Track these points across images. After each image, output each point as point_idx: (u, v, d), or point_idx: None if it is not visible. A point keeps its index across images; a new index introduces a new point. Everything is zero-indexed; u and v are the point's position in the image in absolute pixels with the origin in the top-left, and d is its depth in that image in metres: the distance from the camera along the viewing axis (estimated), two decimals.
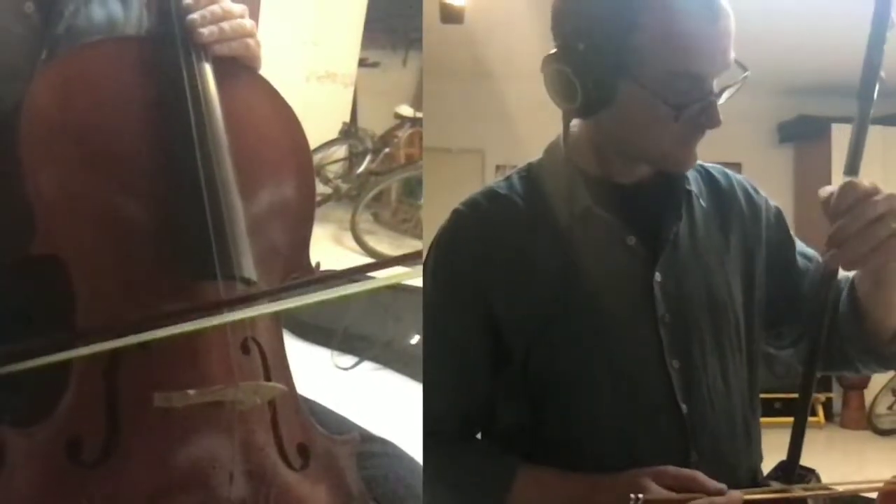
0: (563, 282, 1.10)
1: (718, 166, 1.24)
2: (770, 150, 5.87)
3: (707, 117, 1.05)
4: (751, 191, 1.24)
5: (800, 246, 1.25)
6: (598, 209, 1.11)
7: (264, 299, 1.01)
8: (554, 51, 1.07)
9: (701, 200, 1.17)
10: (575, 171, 1.14)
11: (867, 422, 5.45)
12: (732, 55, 1.04)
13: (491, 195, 1.17)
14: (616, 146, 1.12)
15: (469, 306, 1.13)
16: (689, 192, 1.16)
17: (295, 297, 0.98)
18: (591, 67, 1.03)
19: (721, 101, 1.05)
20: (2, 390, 1.00)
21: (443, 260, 1.16)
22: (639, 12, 1.02)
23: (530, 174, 1.19)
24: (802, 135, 5.71)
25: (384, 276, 0.98)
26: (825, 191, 1.03)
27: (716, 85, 1.05)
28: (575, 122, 1.15)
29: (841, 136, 5.38)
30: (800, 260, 1.23)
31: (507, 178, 1.19)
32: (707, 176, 1.21)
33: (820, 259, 1.23)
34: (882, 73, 1.03)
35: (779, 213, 1.25)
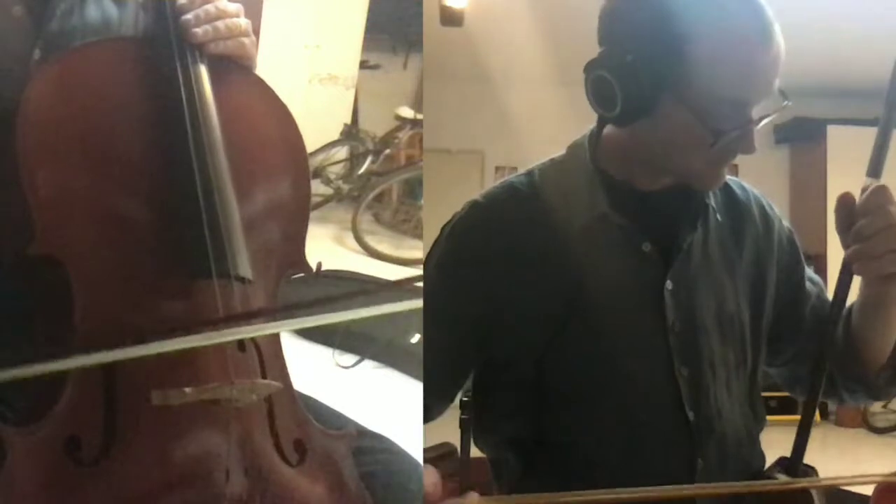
0: (576, 283, 1.09)
1: (736, 179, 1.22)
2: (766, 151, 5.88)
3: (743, 144, 1.04)
4: (766, 207, 1.23)
5: (807, 271, 1.24)
6: (616, 215, 1.10)
7: (263, 318, 1.01)
8: (598, 56, 1.05)
9: (717, 214, 1.16)
10: (597, 173, 1.13)
11: (862, 420, 5.46)
12: (777, 83, 1.03)
13: (510, 190, 1.16)
14: (645, 157, 1.11)
15: (472, 298, 1.12)
16: (707, 204, 1.14)
17: (294, 318, 0.99)
18: (635, 79, 1.01)
19: (758, 128, 1.03)
20: (7, 389, 1.01)
21: (454, 248, 1.15)
22: (693, 31, 1.00)
23: (551, 172, 1.17)
24: (798, 136, 5.72)
25: (387, 309, 0.97)
26: (847, 199, 1.04)
27: (755, 112, 1.03)
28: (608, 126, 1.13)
29: (836, 137, 5.40)
30: (807, 284, 1.23)
31: (529, 174, 1.18)
32: (725, 188, 1.20)
33: (824, 285, 1.24)
34: None
35: (791, 236, 1.25)
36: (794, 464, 1.09)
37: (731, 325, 1.14)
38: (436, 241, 1.17)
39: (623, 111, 1.03)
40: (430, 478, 0.96)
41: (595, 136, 1.14)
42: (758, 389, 1.20)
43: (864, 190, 1.04)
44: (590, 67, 1.05)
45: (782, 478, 1.08)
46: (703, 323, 1.12)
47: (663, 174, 1.12)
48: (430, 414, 1.17)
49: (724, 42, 0.99)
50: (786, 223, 1.25)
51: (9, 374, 0.85)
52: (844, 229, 1.04)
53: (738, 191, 1.22)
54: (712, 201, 1.16)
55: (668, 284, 1.10)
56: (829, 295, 1.22)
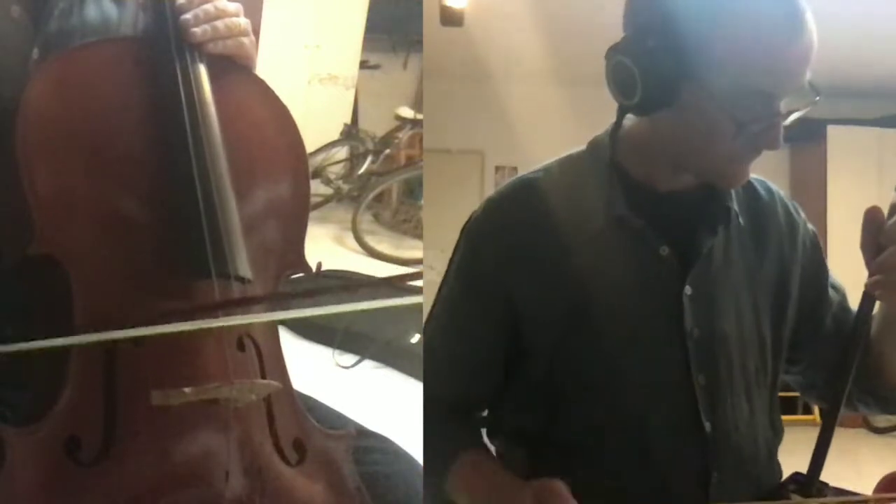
0: (590, 285, 1.07)
1: (761, 178, 1.19)
2: (766, 151, 5.86)
3: (768, 138, 1.00)
4: (791, 209, 1.19)
5: (830, 277, 1.21)
6: (633, 218, 1.07)
7: (260, 305, 1.01)
8: (620, 41, 1.02)
9: (739, 218, 1.13)
10: (615, 172, 1.10)
11: (862, 420, 5.45)
12: (808, 76, 0.99)
13: (522, 187, 1.14)
14: (666, 151, 1.07)
15: (489, 297, 1.11)
16: (728, 208, 1.11)
17: (292, 307, 0.99)
18: (656, 66, 0.98)
19: (786, 122, 1.00)
20: (8, 389, 1.00)
21: (470, 249, 1.14)
22: (720, 19, 0.96)
23: (568, 168, 1.15)
24: (798, 136, 5.69)
25: (387, 303, 0.97)
26: (875, 215, 1.00)
27: (783, 105, 0.99)
28: (629, 117, 1.10)
29: (836, 137, 5.39)
30: (830, 291, 1.19)
31: (545, 170, 1.15)
32: (749, 188, 1.17)
33: (846, 292, 1.21)
34: None
35: (815, 239, 1.20)
36: (809, 482, 1.07)
37: (752, 333, 1.11)
38: (455, 245, 1.17)
39: (643, 99, 1.00)
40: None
41: (615, 129, 1.11)
42: (777, 399, 1.17)
43: (893, 207, 1.00)
44: (611, 53, 1.02)
45: (797, 498, 1.07)
46: (723, 330, 1.09)
47: (684, 172, 1.09)
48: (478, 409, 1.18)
49: (749, 30, 0.95)
50: (811, 226, 1.21)
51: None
52: (870, 248, 1.00)
53: (762, 191, 1.18)
54: (734, 204, 1.12)
55: (688, 290, 1.07)
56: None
